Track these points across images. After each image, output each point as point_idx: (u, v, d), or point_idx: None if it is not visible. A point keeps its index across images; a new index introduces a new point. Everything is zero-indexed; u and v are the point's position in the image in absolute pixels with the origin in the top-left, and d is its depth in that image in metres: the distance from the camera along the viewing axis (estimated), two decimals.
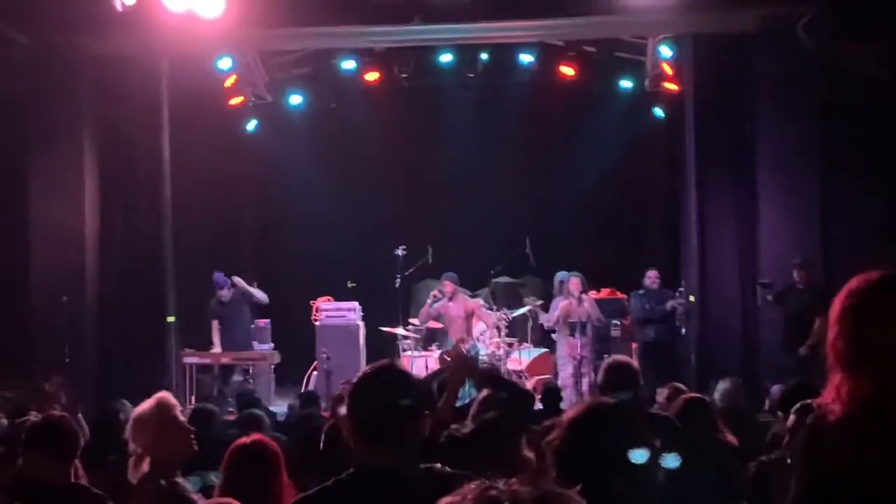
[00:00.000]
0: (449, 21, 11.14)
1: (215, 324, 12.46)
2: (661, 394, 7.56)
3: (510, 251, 14.92)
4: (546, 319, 12.41)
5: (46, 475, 4.13)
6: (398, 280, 13.01)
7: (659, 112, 14.60)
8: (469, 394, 5.40)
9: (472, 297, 13.72)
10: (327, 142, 15.50)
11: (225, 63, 13.07)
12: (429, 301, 12.64)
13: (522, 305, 13.22)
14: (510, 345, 12.73)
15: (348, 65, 14.29)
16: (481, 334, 12.66)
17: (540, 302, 12.86)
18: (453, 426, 4.32)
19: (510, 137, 15.28)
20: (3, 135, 11.31)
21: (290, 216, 15.69)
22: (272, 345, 13.24)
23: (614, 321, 12.60)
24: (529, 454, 4.03)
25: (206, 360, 12.19)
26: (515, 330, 13.22)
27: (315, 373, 12.81)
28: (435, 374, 7.17)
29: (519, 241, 14.83)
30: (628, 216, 15.45)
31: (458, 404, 4.87)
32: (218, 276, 12.41)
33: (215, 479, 4.25)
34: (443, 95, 15.29)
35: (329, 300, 13.62)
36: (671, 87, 12.96)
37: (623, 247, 14.85)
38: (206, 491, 4.28)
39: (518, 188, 15.44)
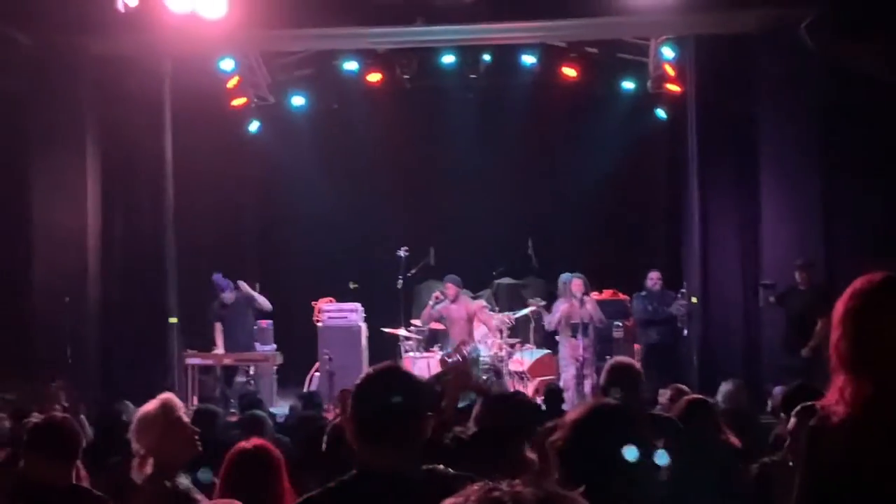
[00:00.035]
0: (451, 22, 11.14)
1: (218, 326, 12.47)
2: (664, 395, 7.56)
3: (512, 252, 14.95)
4: (547, 323, 12.40)
5: (47, 477, 4.13)
6: (400, 281, 13.01)
7: (661, 113, 14.60)
8: (471, 395, 5.40)
9: (475, 298, 13.72)
10: (329, 143, 15.51)
11: (227, 64, 13.09)
12: (431, 302, 12.64)
13: (524, 306, 13.22)
14: (512, 346, 12.73)
15: (350, 66, 14.30)
16: (483, 336, 12.66)
17: (544, 303, 12.85)
18: (457, 428, 4.31)
19: (512, 138, 15.27)
20: (5, 135, 11.32)
21: (292, 217, 15.70)
22: (274, 346, 13.26)
23: (616, 322, 12.58)
24: (532, 455, 4.03)
25: (209, 361, 12.20)
26: (518, 331, 13.22)
27: (317, 374, 12.81)
28: (438, 375, 7.17)
29: (521, 242, 14.85)
30: (630, 217, 15.43)
31: (460, 405, 4.87)
32: (218, 277, 12.40)
33: (201, 476, 4.26)
34: (445, 97, 15.30)
35: (331, 301, 13.61)
36: (673, 88, 12.96)
37: (625, 248, 14.85)
38: (201, 487, 4.29)
39: (520, 189, 15.42)
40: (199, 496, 4.06)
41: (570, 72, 14.02)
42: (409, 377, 2.95)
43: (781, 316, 10.75)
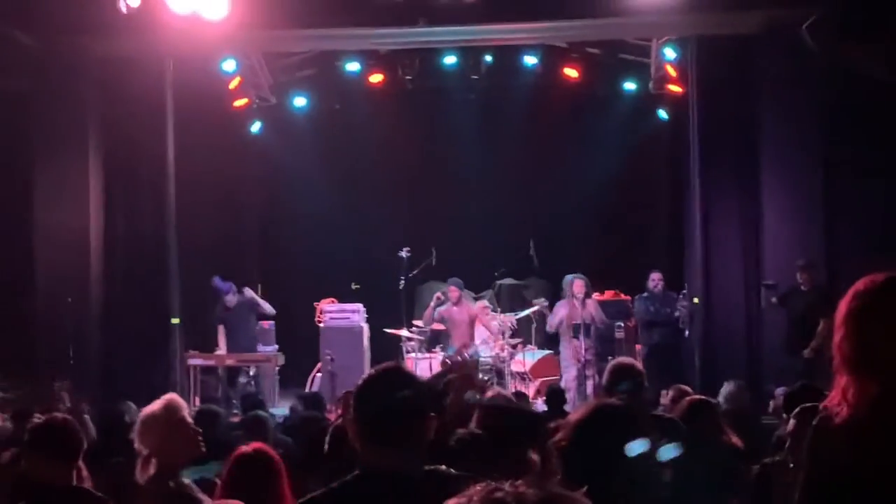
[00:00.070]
0: (453, 23, 11.14)
1: (221, 328, 12.49)
2: (666, 396, 7.56)
3: (514, 253, 14.94)
4: (548, 326, 12.40)
5: (48, 477, 4.12)
6: (402, 282, 13.00)
7: (663, 114, 14.59)
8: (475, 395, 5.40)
9: (476, 299, 13.72)
10: (331, 144, 15.50)
11: (229, 65, 13.09)
12: (432, 303, 12.65)
13: (526, 307, 13.21)
14: (514, 347, 12.73)
15: (352, 67, 14.30)
16: (484, 338, 12.66)
17: (547, 303, 12.85)
18: (461, 430, 4.31)
19: (514, 139, 15.27)
20: (8, 136, 11.33)
21: (294, 218, 15.69)
22: (276, 346, 13.26)
23: (618, 323, 12.58)
24: (535, 456, 4.02)
25: (211, 362, 12.21)
26: (520, 332, 13.22)
27: (319, 374, 12.82)
28: (440, 375, 7.16)
29: (523, 243, 14.85)
30: (632, 218, 15.41)
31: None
32: (218, 280, 12.41)
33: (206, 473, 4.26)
34: (447, 97, 15.30)
35: (333, 302, 13.62)
36: (675, 88, 12.96)
37: (627, 248, 14.84)
38: (203, 484, 4.29)
39: (522, 190, 15.43)
40: (202, 496, 4.06)
41: (571, 72, 14.03)
42: (411, 378, 2.95)
43: (783, 317, 10.75)
